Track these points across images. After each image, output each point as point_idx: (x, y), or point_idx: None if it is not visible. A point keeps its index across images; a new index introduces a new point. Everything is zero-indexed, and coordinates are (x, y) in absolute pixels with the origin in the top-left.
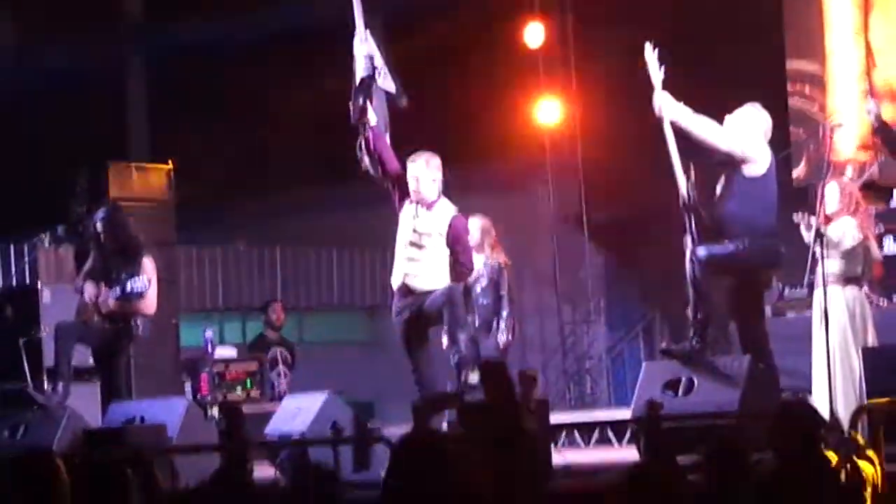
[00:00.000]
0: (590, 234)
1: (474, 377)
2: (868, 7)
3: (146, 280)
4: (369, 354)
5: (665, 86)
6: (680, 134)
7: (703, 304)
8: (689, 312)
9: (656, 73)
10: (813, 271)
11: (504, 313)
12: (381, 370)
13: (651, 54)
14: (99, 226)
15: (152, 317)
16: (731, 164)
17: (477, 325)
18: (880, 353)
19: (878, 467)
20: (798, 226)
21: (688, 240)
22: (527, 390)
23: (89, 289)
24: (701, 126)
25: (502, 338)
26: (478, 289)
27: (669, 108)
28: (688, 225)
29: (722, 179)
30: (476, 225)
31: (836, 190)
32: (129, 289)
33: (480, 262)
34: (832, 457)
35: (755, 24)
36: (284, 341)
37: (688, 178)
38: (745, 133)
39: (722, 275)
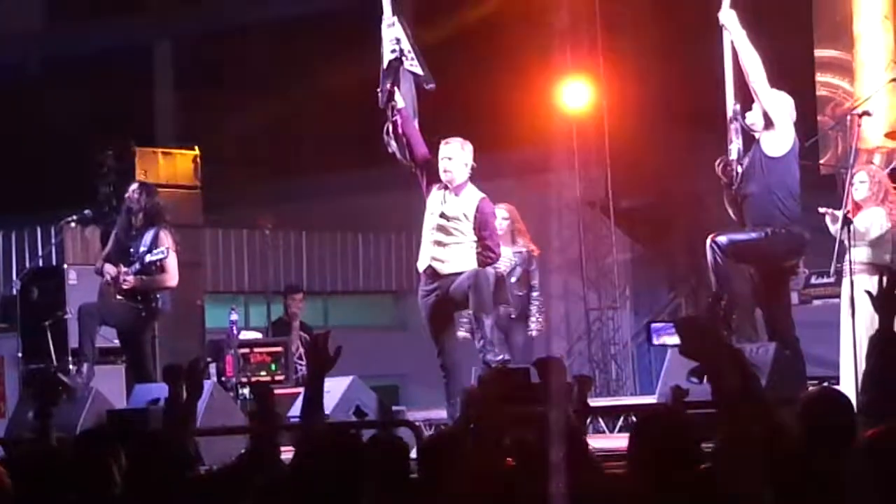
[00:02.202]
0: (616, 220)
1: (497, 359)
2: None
3: (164, 250)
4: (394, 338)
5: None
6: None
7: (726, 290)
8: (712, 299)
9: None
10: (840, 259)
11: (536, 303)
12: (406, 354)
13: None
14: (134, 195)
15: (175, 292)
16: (754, 134)
17: (514, 315)
18: None
19: None
20: (825, 216)
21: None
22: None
23: (109, 268)
24: (753, 60)
25: (536, 327)
26: (511, 279)
27: (733, 27)
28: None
29: (745, 160)
30: (502, 214)
31: (866, 177)
32: (146, 261)
33: (510, 253)
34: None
35: (784, 11)
36: (304, 326)
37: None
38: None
39: (746, 262)
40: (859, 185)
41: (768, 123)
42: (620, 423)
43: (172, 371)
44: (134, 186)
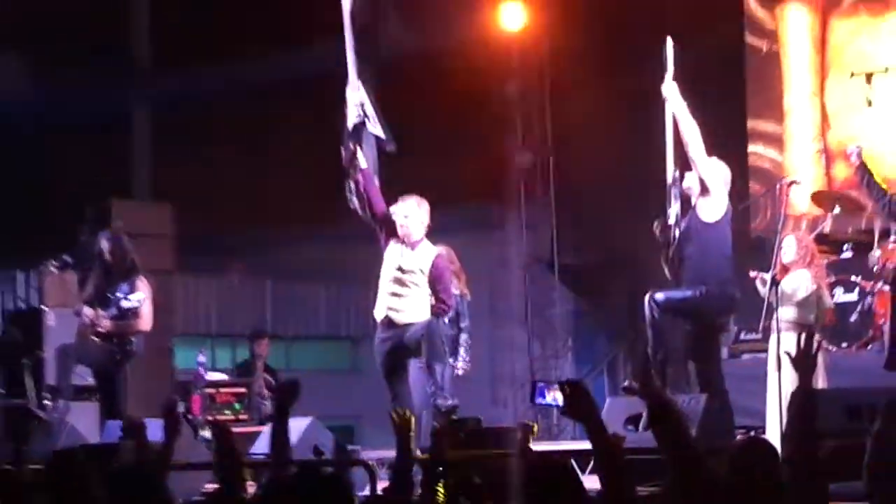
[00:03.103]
0: (560, 276)
1: (447, 404)
2: (824, 72)
3: (140, 297)
4: (350, 381)
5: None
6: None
7: (661, 345)
8: (650, 352)
9: (670, 64)
10: (768, 318)
11: (465, 344)
12: (361, 397)
13: (669, 47)
14: (105, 245)
15: (147, 335)
16: (689, 200)
17: None
18: (830, 395)
19: None
20: (754, 279)
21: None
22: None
23: (87, 311)
24: (692, 129)
25: (463, 366)
26: (445, 320)
27: (674, 99)
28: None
29: (682, 224)
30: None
31: (794, 242)
32: (123, 307)
33: None
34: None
35: (719, 85)
36: (268, 368)
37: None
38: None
39: (681, 318)
40: (787, 250)
41: (704, 190)
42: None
43: (132, 425)
44: (109, 235)
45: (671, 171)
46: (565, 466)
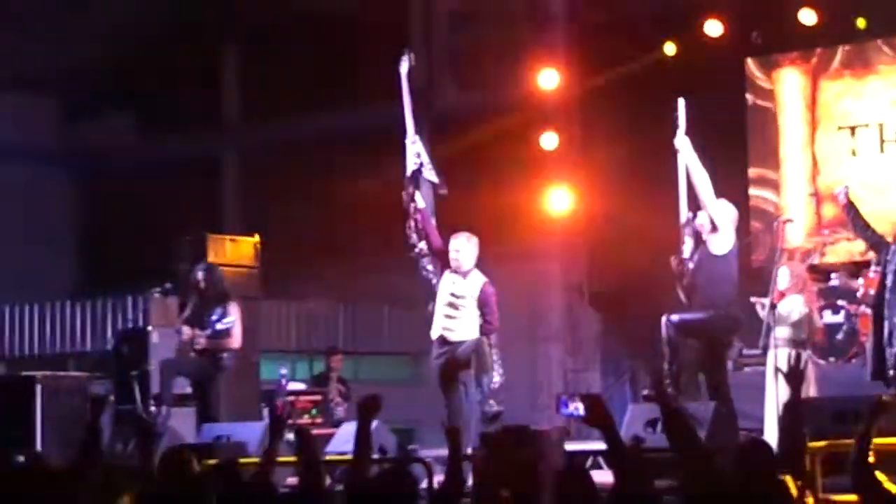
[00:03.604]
0: (590, 301)
1: (493, 410)
2: (814, 125)
3: (232, 319)
4: (412, 391)
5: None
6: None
7: (676, 359)
8: (665, 365)
9: (682, 121)
10: (767, 336)
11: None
12: (421, 404)
13: (682, 106)
14: (200, 275)
15: (237, 352)
16: (700, 236)
17: None
18: (820, 403)
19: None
20: (755, 304)
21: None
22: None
23: (186, 331)
24: (702, 176)
25: (499, 379)
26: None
27: (686, 150)
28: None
29: (695, 257)
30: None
31: (787, 272)
32: (217, 328)
33: None
34: (791, 483)
35: (724, 137)
36: (341, 380)
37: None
38: (723, 211)
39: (692, 336)
40: (782, 278)
41: (714, 227)
42: (589, 462)
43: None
44: (203, 266)
45: (684, 212)
46: (582, 468)
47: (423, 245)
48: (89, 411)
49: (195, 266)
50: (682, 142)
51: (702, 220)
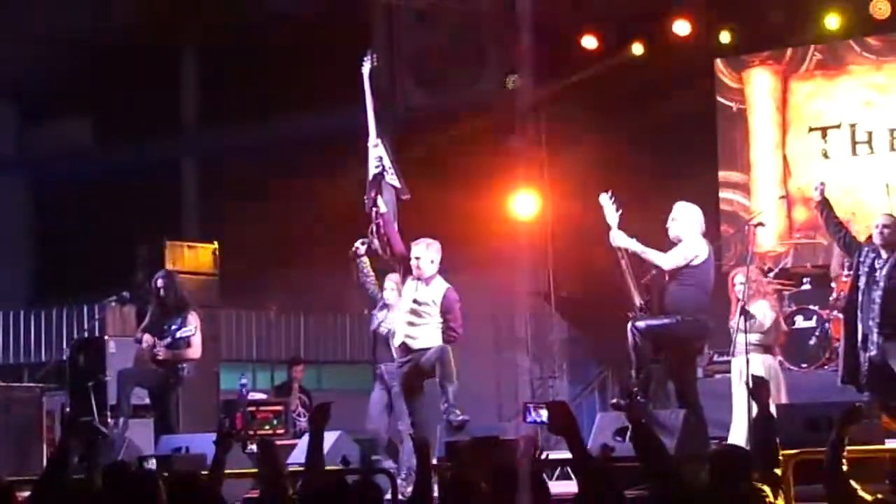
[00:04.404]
0: (556, 307)
1: (458, 419)
2: (785, 127)
3: (192, 329)
4: None
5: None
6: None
7: (643, 366)
8: (633, 373)
9: (612, 216)
10: (736, 342)
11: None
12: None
13: (607, 200)
14: (159, 282)
15: (197, 361)
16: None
17: None
18: (791, 409)
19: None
20: (726, 304)
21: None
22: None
23: (147, 338)
24: (649, 254)
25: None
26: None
27: (623, 243)
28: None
29: None
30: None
31: (742, 278)
32: (177, 337)
33: None
34: (766, 489)
35: (695, 142)
36: (303, 389)
37: (639, 291)
38: (687, 233)
39: (660, 342)
40: (738, 285)
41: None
42: (557, 472)
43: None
44: (162, 273)
45: (637, 300)
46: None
47: (384, 251)
48: (62, 436)
49: (154, 274)
50: (619, 237)
51: (675, 230)
